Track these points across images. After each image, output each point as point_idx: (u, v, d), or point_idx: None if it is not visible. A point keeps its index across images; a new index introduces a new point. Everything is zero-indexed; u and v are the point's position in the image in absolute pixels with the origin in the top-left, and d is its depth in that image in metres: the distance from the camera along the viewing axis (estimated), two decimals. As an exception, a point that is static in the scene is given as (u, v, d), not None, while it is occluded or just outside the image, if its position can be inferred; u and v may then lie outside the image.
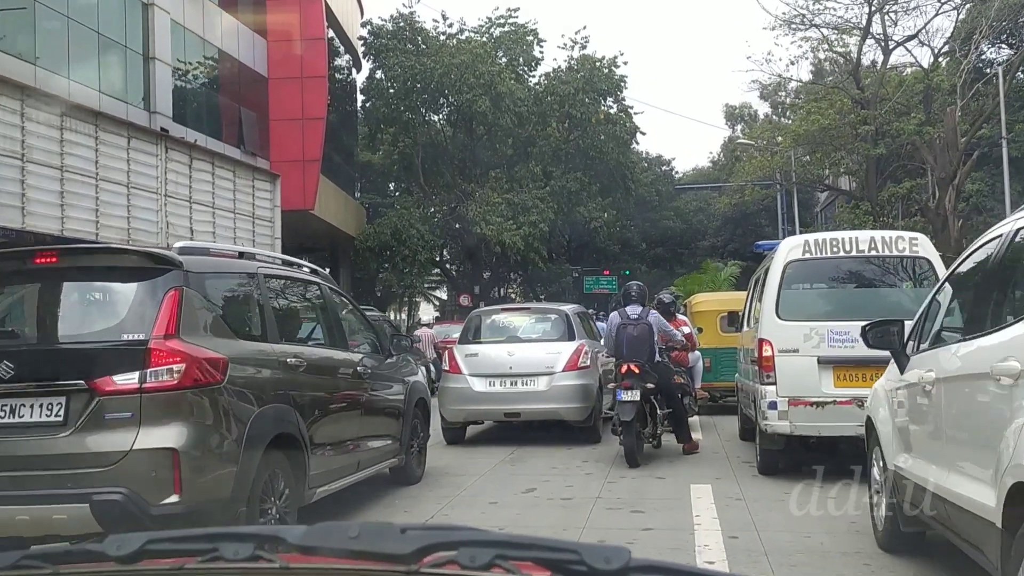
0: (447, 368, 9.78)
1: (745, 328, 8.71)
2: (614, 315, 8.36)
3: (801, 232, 37.67)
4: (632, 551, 1.02)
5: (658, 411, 8.15)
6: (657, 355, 8.22)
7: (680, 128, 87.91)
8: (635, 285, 8.51)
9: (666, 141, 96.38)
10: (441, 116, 31.44)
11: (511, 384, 9.29)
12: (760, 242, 9.84)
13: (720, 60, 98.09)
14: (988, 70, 27.23)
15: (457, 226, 29.50)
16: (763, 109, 42.35)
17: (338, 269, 31.51)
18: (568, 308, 10.43)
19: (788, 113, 32.69)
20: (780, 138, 27.34)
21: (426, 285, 48.18)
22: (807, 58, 26.35)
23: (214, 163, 18.12)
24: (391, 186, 35.00)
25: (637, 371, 7.72)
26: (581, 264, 41.30)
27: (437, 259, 33.17)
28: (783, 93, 37.15)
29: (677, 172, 47.21)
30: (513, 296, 42.20)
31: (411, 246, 27.36)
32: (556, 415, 9.30)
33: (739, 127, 46.56)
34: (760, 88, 28.37)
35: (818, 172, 27.25)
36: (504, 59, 28.95)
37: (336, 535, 1.09)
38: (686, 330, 9.65)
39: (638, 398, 7.61)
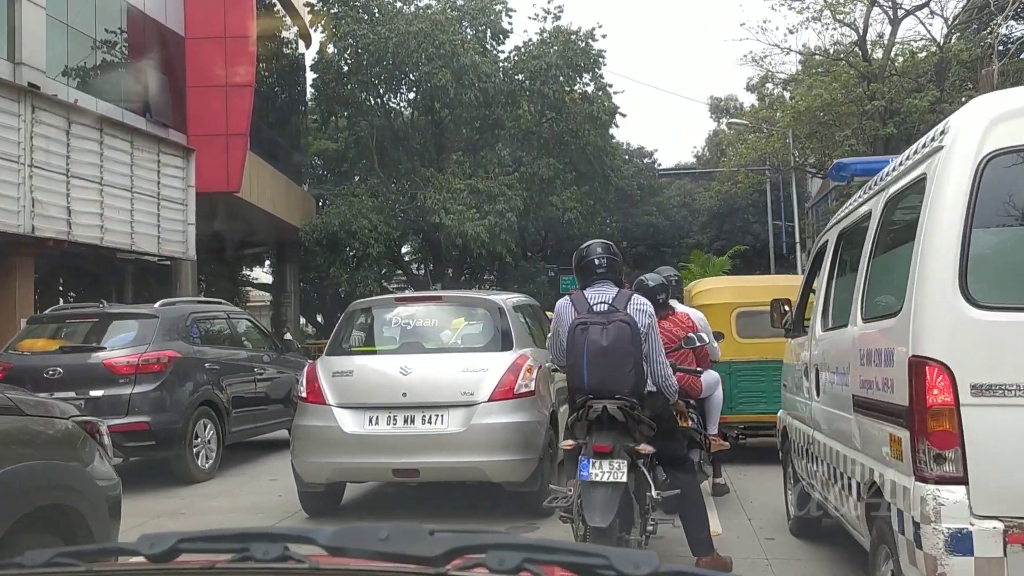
0: (303, 395, 6.26)
1: (819, 329, 4.58)
2: (563, 305, 4.55)
3: (789, 225, 35.24)
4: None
5: (651, 490, 4.27)
6: (650, 381, 4.45)
7: (662, 119, 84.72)
8: (600, 245, 4.63)
9: (648, 133, 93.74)
10: (399, 98, 28.44)
11: (405, 422, 5.86)
12: (844, 160, 5.31)
13: (707, 41, 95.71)
14: (1001, 47, 24.93)
15: (419, 219, 26.44)
16: (749, 102, 39.89)
17: (285, 267, 28.44)
18: (503, 298, 6.81)
19: (776, 106, 30.02)
20: (776, 117, 24.54)
21: (394, 285, 45.20)
22: (807, 27, 23.61)
23: (102, 130, 14.94)
24: (355, 178, 31.99)
25: (622, 419, 4.13)
26: (558, 263, 38.58)
27: (395, 254, 30.14)
28: (771, 85, 34.70)
29: (660, 165, 44.40)
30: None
31: (362, 239, 24.26)
32: (478, 474, 5.91)
33: (724, 121, 43.96)
34: (752, 62, 25.41)
35: (818, 158, 24.44)
36: (470, 31, 25.89)
37: (365, 536, 1.10)
38: (702, 339, 5.47)
39: (623, 478, 4.01)
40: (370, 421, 5.95)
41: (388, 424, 5.92)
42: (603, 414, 4.10)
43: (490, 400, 5.87)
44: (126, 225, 15.42)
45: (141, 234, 15.82)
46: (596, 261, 4.49)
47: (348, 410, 6.01)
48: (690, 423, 5.45)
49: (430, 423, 5.86)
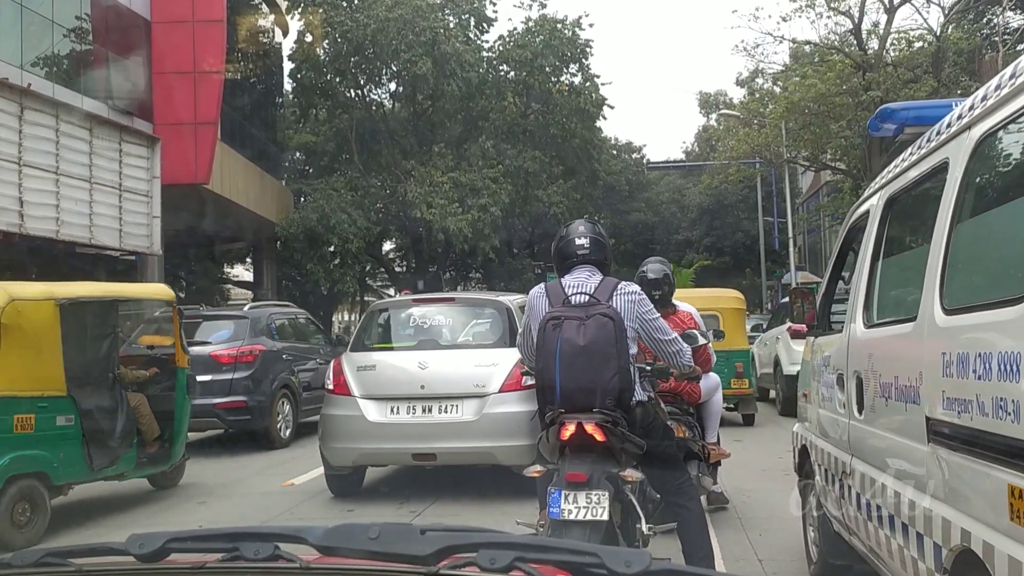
0: (330, 387, 6.90)
1: (860, 326, 3.49)
2: (536, 294, 3.78)
3: (782, 221, 34.46)
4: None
5: (642, 524, 3.46)
6: (639, 388, 3.61)
7: (651, 114, 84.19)
8: (583, 225, 3.83)
9: (636, 128, 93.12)
10: (381, 89, 27.61)
11: (424, 411, 6.50)
12: (890, 105, 3.90)
13: (698, 33, 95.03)
14: (997, 39, 24.41)
15: (401, 213, 25.58)
16: (738, 96, 39.22)
17: (262, 263, 27.52)
18: (510, 299, 7.30)
19: (766, 100, 29.34)
20: (767, 111, 23.84)
21: (378, 284, 44.33)
22: (801, 15, 22.93)
23: (58, 116, 14.02)
24: (335, 172, 31.14)
25: (601, 438, 3.33)
26: (545, 260, 37.86)
27: (376, 251, 29.29)
28: (761, 79, 34.06)
29: (648, 161, 43.69)
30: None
31: (340, 234, 23.39)
32: (490, 457, 6.47)
33: (713, 116, 43.33)
34: (744, 52, 24.73)
35: (812, 151, 23.75)
36: (452, 19, 25.07)
37: (356, 536, 1.10)
38: (708, 336, 4.85)
39: (604, 515, 3.25)
40: (392, 411, 6.53)
41: (408, 413, 6.50)
42: (578, 432, 3.32)
43: (500, 391, 6.38)
44: (84, 218, 14.51)
45: (101, 227, 14.92)
46: (577, 241, 3.68)
47: (372, 401, 6.58)
48: (687, 433, 4.85)
49: (446, 412, 6.43)
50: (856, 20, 22.16)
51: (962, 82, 21.43)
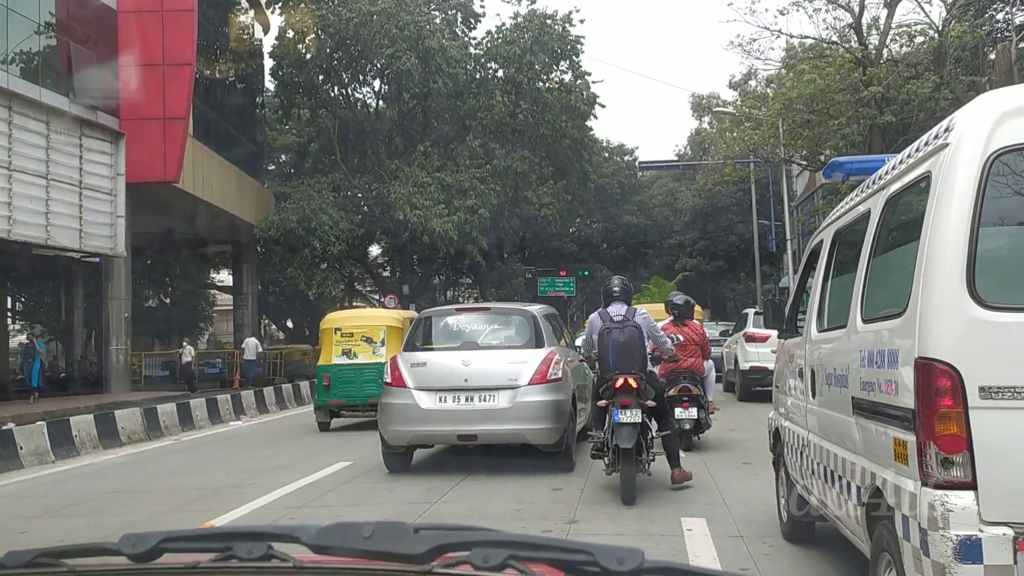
0: (388, 380, 8.15)
1: (814, 330, 4.43)
2: (594, 317, 6.98)
3: (778, 224, 33.63)
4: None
5: (652, 432, 6.72)
6: (649, 364, 6.82)
7: (643, 115, 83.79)
8: (617, 279, 7.13)
9: (628, 130, 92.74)
10: (366, 88, 26.77)
11: (466, 400, 7.83)
12: (839, 159, 5.03)
13: (691, 30, 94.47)
14: (999, 35, 23.73)
15: (385, 215, 24.70)
16: (731, 99, 38.38)
17: (242, 267, 26.64)
18: (536, 309, 8.97)
19: (759, 102, 28.40)
20: (761, 112, 23.06)
21: (368, 289, 43.41)
22: (799, 9, 22.11)
23: (11, 108, 13.15)
24: (317, 173, 30.20)
25: (636, 386, 6.39)
26: (536, 264, 37.05)
27: (361, 255, 28.38)
28: (754, 82, 33.30)
29: (641, 162, 42.93)
30: (460, 301, 38.01)
31: (322, 236, 22.51)
32: (520, 438, 7.86)
33: (706, 118, 42.58)
34: (739, 47, 23.94)
35: (810, 149, 22.97)
36: (438, 14, 24.24)
37: (350, 535, 1.11)
38: (676, 338, 8.63)
39: (639, 419, 6.31)
40: (440, 399, 7.81)
41: (453, 402, 7.79)
42: (627, 383, 6.28)
43: (529, 384, 7.74)
44: (40, 216, 13.65)
45: (59, 227, 14.05)
46: (614, 289, 6.89)
47: (423, 391, 7.83)
48: (697, 391, 8.47)
49: (485, 401, 7.75)
50: (856, 14, 21.43)
51: (963, 79, 20.74)
